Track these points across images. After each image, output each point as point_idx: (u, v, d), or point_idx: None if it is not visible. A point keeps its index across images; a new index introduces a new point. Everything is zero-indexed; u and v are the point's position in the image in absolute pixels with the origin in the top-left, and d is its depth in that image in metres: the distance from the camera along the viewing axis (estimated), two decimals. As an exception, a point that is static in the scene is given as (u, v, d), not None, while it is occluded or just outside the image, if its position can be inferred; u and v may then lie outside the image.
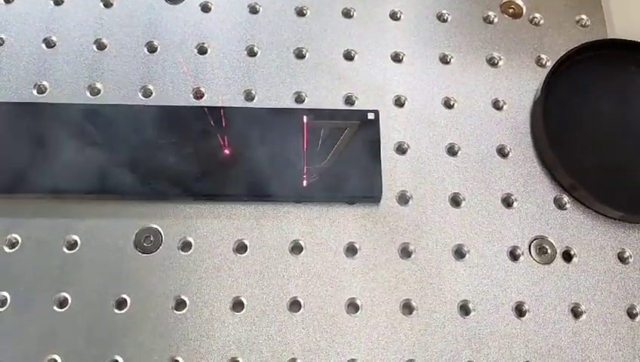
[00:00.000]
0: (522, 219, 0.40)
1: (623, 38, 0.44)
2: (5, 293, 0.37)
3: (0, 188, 0.38)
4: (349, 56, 0.45)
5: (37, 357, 0.35)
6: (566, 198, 0.41)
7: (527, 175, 0.41)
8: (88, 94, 0.42)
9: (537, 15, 0.46)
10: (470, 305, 0.38)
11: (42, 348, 0.36)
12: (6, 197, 0.39)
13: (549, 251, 0.39)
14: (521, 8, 0.47)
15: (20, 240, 0.38)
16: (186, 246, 0.39)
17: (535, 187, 0.41)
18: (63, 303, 0.37)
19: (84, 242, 0.38)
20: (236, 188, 0.39)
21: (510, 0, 0.47)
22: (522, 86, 0.44)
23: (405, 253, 0.39)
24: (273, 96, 0.43)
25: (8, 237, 0.38)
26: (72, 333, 0.36)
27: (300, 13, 0.46)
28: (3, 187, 0.38)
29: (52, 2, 0.45)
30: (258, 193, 0.39)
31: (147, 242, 0.38)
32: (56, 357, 0.36)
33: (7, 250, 0.38)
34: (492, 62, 0.45)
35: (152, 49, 0.44)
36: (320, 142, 0.40)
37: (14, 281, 0.37)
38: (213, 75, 0.43)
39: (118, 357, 0.36)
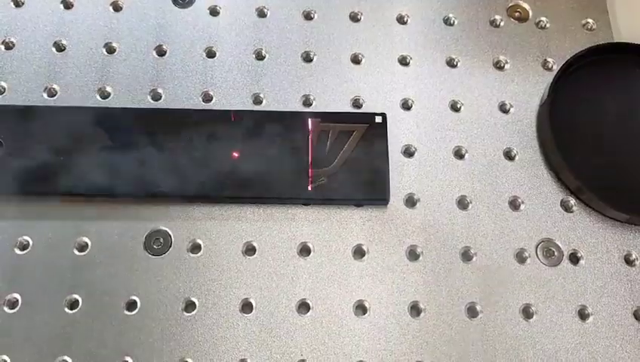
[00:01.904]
0: (529, 221, 0.40)
1: (628, 41, 0.44)
2: (17, 295, 0.37)
3: (11, 190, 0.39)
4: (356, 60, 0.45)
5: (48, 359, 0.36)
6: (572, 201, 0.41)
7: (533, 178, 0.42)
8: (98, 97, 0.42)
9: (543, 19, 0.47)
10: (477, 307, 0.38)
11: (53, 349, 0.36)
12: (17, 199, 0.39)
13: (555, 253, 0.40)
14: (528, 12, 0.47)
15: (31, 242, 0.38)
16: (195, 248, 0.39)
17: (542, 190, 0.41)
18: (73, 305, 0.37)
19: (94, 244, 0.39)
20: (245, 191, 0.39)
21: (516, 4, 0.47)
22: (529, 89, 0.44)
23: (413, 255, 0.39)
24: (281, 99, 0.43)
25: (19, 239, 0.38)
26: (82, 335, 0.36)
27: (308, 17, 0.46)
28: (14, 189, 0.39)
29: (62, 6, 0.45)
30: (267, 195, 0.39)
31: (157, 244, 0.39)
32: (67, 358, 0.36)
33: (18, 251, 0.38)
34: (498, 66, 0.45)
35: (161, 52, 0.44)
36: (328, 145, 0.40)
37: (25, 283, 0.37)
38: (222, 79, 0.44)
39: (128, 359, 0.36)
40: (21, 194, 0.39)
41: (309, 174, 0.40)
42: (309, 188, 0.39)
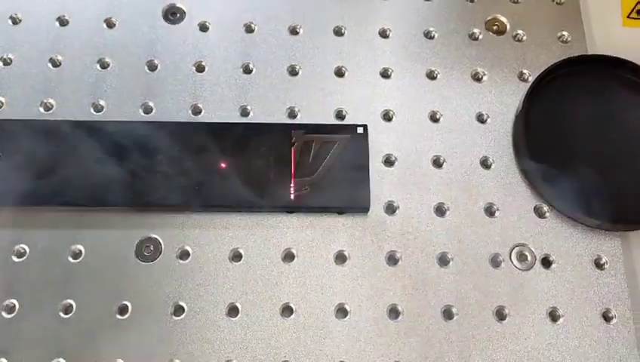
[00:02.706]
0: (504, 227, 0.42)
1: (601, 53, 0.46)
2: (14, 300, 0.39)
3: (9, 201, 0.40)
4: (339, 73, 0.47)
5: (44, 361, 0.38)
6: (545, 207, 0.43)
7: (508, 185, 0.43)
8: (92, 111, 0.44)
9: (520, 32, 0.48)
10: (453, 310, 0.40)
11: (49, 351, 0.38)
12: (14, 209, 0.41)
13: (529, 258, 0.41)
14: (505, 25, 0.49)
15: (27, 250, 0.40)
16: (184, 255, 0.41)
17: (516, 197, 0.43)
18: (68, 309, 0.39)
19: (88, 252, 0.40)
20: (232, 200, 0.41)
21: (494, 17, 0.49)
22: (505, 100, 0.46)
23: (392, 260, 0.41)
24: (267, 111, 0.45)
25: (16, 247, 0.40)
26: (76, 338, 0.38)
27: (293, 32, 0.48)
28: (12, 200, 0.40)
29: (58, 23, 0.47)
30: (253, 204, 0.41)
31: (147, 251, 0.41)
32: (62, 360, 0.38)
33: (15, 259, 0.40)
34: (476, 78, 0.47)
35: (152, 67, 0.46)
36: (312, 155, 0.42)
37: (22, 289, 0.39)
38: (211, 92, 0.45)
39: (120, 360, 0.38)
40: (18, 205, 0.41)
41: (294, 183, 0.41)
42: (292, 197, 0.41)
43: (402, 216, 0.42)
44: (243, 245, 0.41)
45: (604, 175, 0.43)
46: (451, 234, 0.42)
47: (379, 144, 0.44)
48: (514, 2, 0.49)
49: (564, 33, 0.48)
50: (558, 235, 0.42)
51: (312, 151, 0.42)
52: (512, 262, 0.41)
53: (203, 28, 0.48)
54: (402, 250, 0.41)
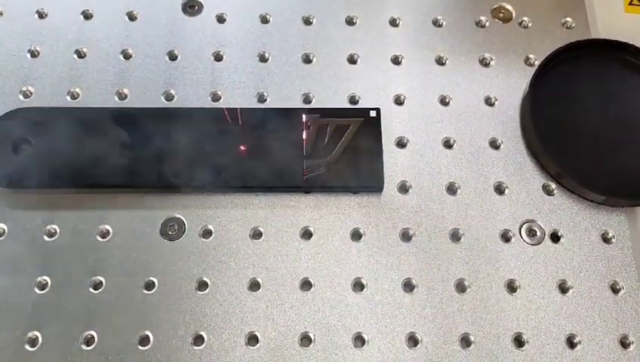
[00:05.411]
0: (513, 204, 0.44)
1: (604, 38, 0.48)
2: (46, 277, 0.41)
3: (40, 184, 0.42)
4: (352, 60, 0.49)
5: (75, 333, 0.39)
6: (553, 185, 0.44)
7: (517, 164, 0.45)
8: (116, 99, 0.46)
9: (525, 18, 0.50)
10: (466, 283, 0.41)
11: (80, 325, 0.40)
12: (46, 192, 0.43)
13: (538, 233, 0.43)
14: (511, 13, 0.50)
15: (58, 230, 0.42)
16: (206, 233, 0.43)
17: (524, 175, 0.45)
18: (97, 285, 0.41)
19: (115, 231, 0.42)
20: (252, 181, 0.43)
21: (500, 5, 0.51)
22: (512, 84, 0.48)
23: (406, 237, 0.43)
24: (284, 97, 0.47)
25: (48, 227, 0.42)
26: (106, 312, 0.40)
27: (307, 22, 0.50)
28: (43, 183, 0.42)
29: (82, 17, 0.49)
30: (272, 185, 0.43)
31: (172, 230, 0.42)
32: (93, 333, 0.39)
33: (46, 239, 0.42)
34: (484, 63, 0.49)
35: (172, 57, 0.48)
36: (327, 137, 0.44)
37: (54, 267, 0.41)
38: (229, 80, 0.47)
39: (148, 333, 0.39)
40: (49, 188, 0.43)
41: (311, 164, 0.43)
42: (307, 177, 0.42)
43: (415, 195, 0.44)
44: (263, 224, 0.43)
45: (608, 153, 0.45)
46: (462, 212, 0.43)
47: (391, 127, 0.46)
48: (519, -10, 0.51)
49: (568, 19, 0.50)
50: (565, 211, 0.43)
51: (328, 134, 0.44)
52: (522, 238, 0.43)
53: (220, 19, 0.50)
54: (415, 227, 0.43)
